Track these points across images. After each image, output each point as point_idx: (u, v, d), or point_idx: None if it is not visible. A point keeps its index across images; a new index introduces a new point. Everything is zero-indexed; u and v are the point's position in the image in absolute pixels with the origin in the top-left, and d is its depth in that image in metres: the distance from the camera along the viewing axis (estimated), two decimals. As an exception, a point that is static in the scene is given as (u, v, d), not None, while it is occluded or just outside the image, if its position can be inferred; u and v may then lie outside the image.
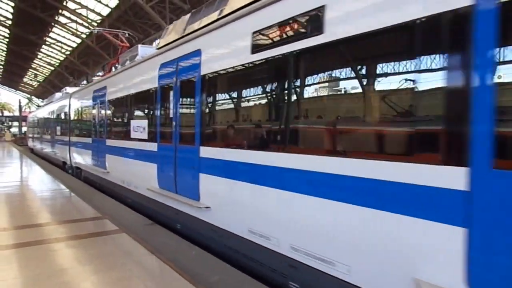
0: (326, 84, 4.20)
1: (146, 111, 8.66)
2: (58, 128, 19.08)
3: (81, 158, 14.22)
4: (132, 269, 4.88)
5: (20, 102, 67.68)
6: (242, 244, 5.15)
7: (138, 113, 9.22)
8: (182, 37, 7.28)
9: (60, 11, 38.05)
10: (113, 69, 15.05)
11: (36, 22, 40.30)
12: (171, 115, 7.09)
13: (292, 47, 4.25)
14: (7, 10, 41.25)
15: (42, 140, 25.74)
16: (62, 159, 18.09)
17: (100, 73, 46.29)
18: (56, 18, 40.12)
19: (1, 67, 69.70)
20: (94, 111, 12.46)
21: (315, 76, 4.33)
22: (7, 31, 47.33)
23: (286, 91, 4.48)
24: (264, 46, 4.71)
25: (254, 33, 4.89)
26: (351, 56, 3.91)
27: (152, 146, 7.77)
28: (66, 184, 12.30)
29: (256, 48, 4.85)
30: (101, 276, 4.67)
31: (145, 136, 8.27)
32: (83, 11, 36.64)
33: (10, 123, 71.36)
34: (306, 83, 4.33)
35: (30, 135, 35.22)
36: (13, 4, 38.19)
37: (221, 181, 5.52)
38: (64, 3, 35.84)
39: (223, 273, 4.95)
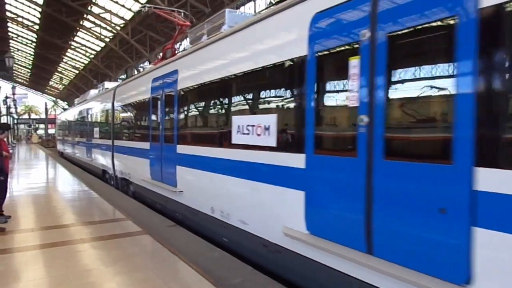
0: None
1: (273, 99, 4.97)
2: (97, 130, 15.69)
3: (132, 168, 10.88)
4: (156, 270, 4.91)
5: (46, 105, 69.57)
6: None
7: (250, 103, 5.51)
8: None
9: (84, 15, 38.94)
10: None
11: (62, 26, 41.39)
12: (355, 103, 3.66)
13: None
14: (34, 15, 42.52)
15: (74, 144, 22.18)
16: (101, 167, 14.83)
17: (123, 76, 47.15)
18: (81, 22, 41.06)
19: (29, 71, 71.81)
20: (155, 107, 9.02)
21: None
22: (35, 35, 48.75)
23: None
24: None
25: None
26: None
27: (293, 159, 4.44)
28: (90, 186, 12.54)
29: None
30: (126, 277, 4.71)
31: (271, 141, 4.80)
32: (107, 16, 37.39)
33: (37, 125, 73.43)
34: None
35: (60, 138, 31.55)
36: (40, 10, 39.31)
37: None
38: (89, 8, 36.65)
39: (245, 275, 4.91)
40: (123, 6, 34.98)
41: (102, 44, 45.95)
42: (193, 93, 7.29)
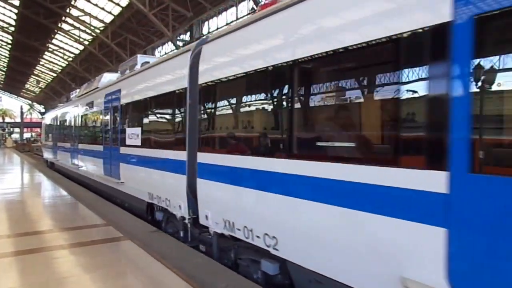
0: None
1: None
2: (134, 132, 9.03)
3: (319, 226, 3.87)
4: (138, 277, 4.83)
5: (22, 109, 67.89)
6: None
7: None
8: None
9: (63, 18, 38.28)
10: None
11: (39, 28, 40.56)
12: None
13: None
14: (10, 17, 41.51)
15: (77, 152, 15.10)
16: (148, 198, 8.07)
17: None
18: (59, 25, 40.36)
19: (3, 73, 69.99)
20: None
21: None
22: (10, 37, 47.59)
23: None
24: None
25: None
26: None
27: None
28: (70, 191, 12.25)
29: None
30: (107, 284, 4.61)
31: None
32: (86, 18, 36.87)
33: (11, 129, 71.43)
34: None
35: (48, 143, 23.21)
36: (16, 11, 38.43)
37: None
38: (68, 10, 36.06)
39: (230, 280, 4.88)
40: (103, 9, 34.57)
41: (81, 47, 45.26)
42: None
